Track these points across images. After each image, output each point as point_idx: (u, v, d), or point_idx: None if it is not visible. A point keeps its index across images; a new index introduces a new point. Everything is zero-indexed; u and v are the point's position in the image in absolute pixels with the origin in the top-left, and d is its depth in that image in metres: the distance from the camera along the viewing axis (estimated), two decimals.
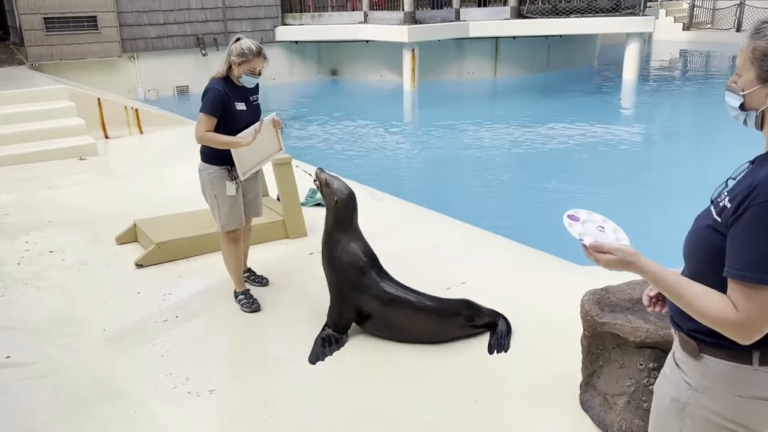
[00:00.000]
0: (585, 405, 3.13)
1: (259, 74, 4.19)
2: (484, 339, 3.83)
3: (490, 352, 3.73)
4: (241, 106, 4.17)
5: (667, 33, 25.48)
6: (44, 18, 13.22)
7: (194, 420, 3.21)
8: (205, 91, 4.14)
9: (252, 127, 4.12)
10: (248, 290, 4.46)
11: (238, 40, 4.13)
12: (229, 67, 4.12)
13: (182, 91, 15.45)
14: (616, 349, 2.95)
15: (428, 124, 12.44)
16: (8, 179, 7.69)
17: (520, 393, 3.36)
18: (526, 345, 3.78)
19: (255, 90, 4.30)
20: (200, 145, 4.19)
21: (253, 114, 4.27)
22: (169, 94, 15.26)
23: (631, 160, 9.88)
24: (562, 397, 3.25)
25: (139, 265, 5.06)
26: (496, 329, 3.87)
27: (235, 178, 4.20)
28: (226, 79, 4.14)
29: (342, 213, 3.85)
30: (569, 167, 9.21)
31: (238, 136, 4.06)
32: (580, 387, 3.20)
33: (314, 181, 4.00)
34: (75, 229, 5.93)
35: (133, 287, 4.72)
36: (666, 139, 11.90)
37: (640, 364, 2.84)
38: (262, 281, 4.70)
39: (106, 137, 10.08)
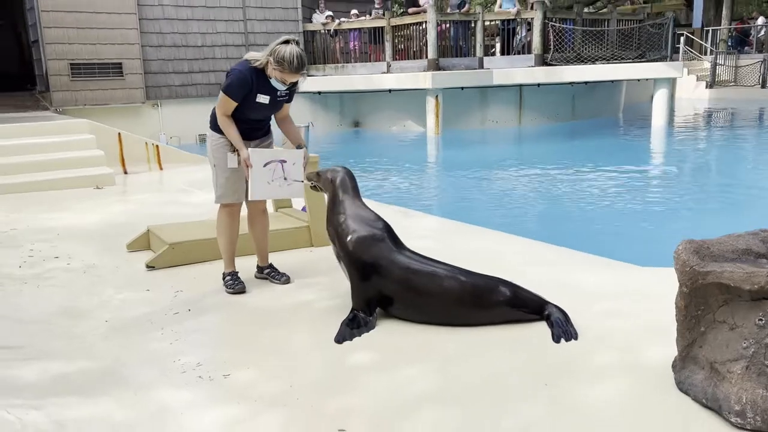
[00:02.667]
0: (683, 384, 2.54)
1: (294, 84, 3.91)
2: (539, 327, 3.26)
3: (557, 341, 3.16)
4: (263, 99, 3.88)
5: (690, 91, 25.28)
6: (71, 64, 13.25)
7: (206, 403, 2.67)
8: (231, 71, 3.86)
9: (270, 151, 3.96)
10: (236, 272, 4.12)
11: (287, 42, 3.77)
12: (267, 62, 3.80)
13: (205, 140, 15.16)
14: (724, 307, 2.39)
15: (455, 166, 12.05)
16: (21, 203, 7.34)
17: (597, 379, 2.78)
18: (594, 335, 3.21)
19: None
20: (211, 111, 3.99)
21: (272, 109, 4.01)
22: (192, 142, 15.09)
23: (671, 202, 9.32)
24: (650, 381, 2.67)
25: (150, 267, 4.59)
26: (551, 318, 3.31)
27: (237, 150, 3.90)
28: (259, 69, 3.82)
29: (343, 186, 3.65)
30: (611, 212, 8.61)
31: (248, 149, 3.85)
32: (673, 366, 2.62)
33: (311, 185, 3.88)
34: (84, 240, 5.49)
35: (142, 285, 4.24)
36: (704, 181, 11.37)
37: (760, 320, 2.28)
38: (282, 278, 4.21)
39: (125, 172, 9.79)
